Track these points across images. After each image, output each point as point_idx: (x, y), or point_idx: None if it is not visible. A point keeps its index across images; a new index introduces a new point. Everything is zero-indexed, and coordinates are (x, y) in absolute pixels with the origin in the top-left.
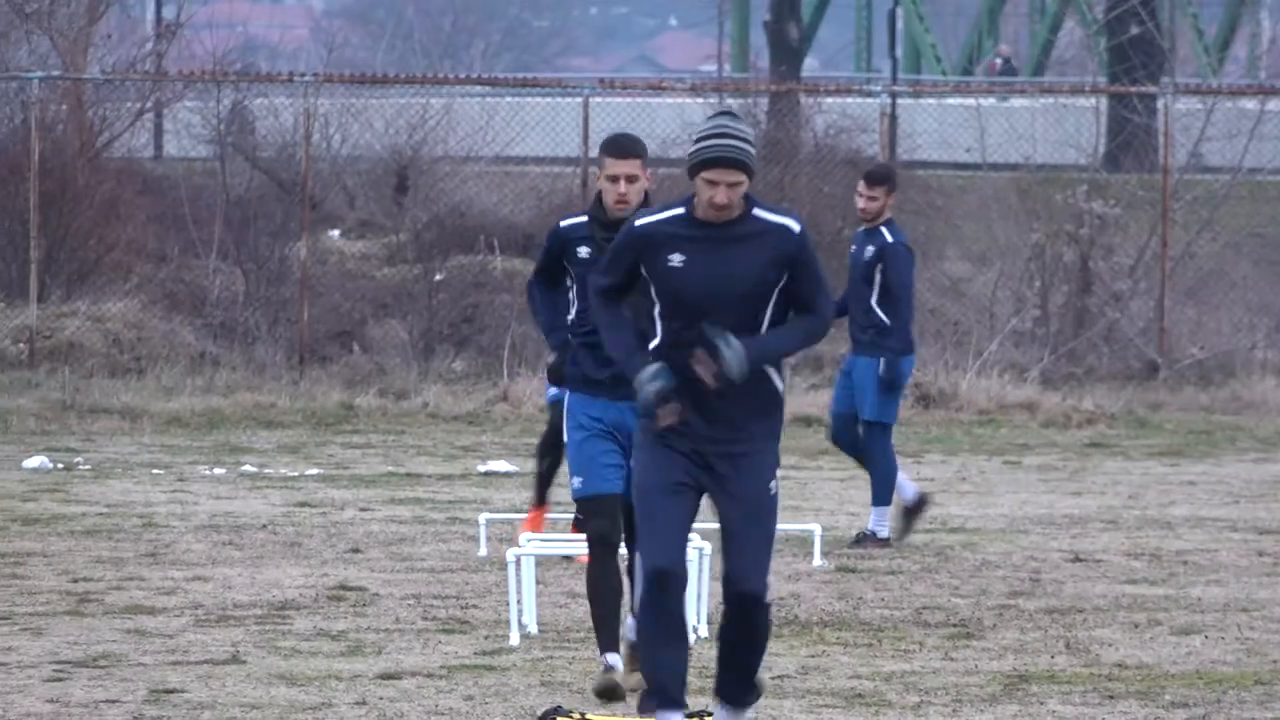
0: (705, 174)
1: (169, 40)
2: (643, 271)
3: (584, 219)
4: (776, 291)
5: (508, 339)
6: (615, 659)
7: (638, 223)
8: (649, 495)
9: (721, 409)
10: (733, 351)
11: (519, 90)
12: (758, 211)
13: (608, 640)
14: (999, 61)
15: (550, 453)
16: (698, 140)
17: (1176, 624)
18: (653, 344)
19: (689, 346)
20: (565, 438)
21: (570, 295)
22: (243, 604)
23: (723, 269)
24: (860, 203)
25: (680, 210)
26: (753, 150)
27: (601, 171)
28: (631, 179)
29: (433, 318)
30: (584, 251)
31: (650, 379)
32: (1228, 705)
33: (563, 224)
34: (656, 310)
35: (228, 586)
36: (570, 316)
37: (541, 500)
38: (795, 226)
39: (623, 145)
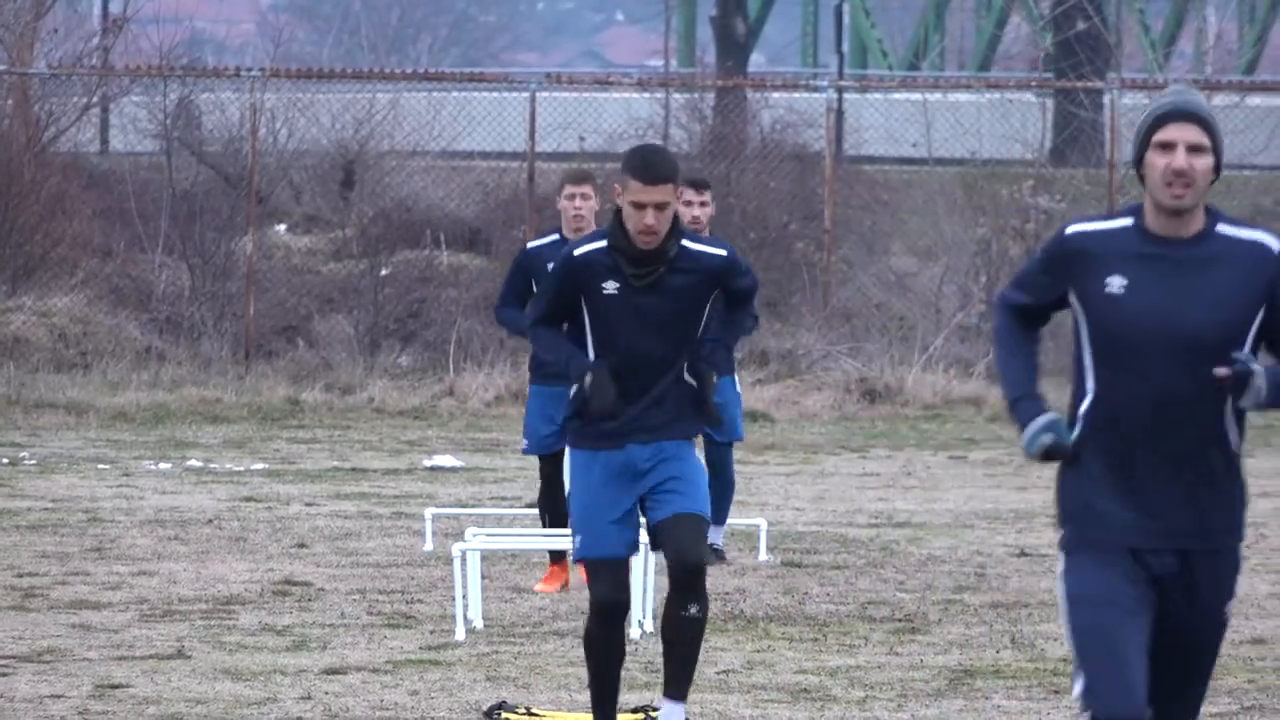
0: (1160, 134)
1: (115, 35)
2: (1071, 298)
3: (600, 245)
4: (1253, 331)
5: (454, 334)
6: None
7: (1069, 231)
8: (1094, 622)
9: (1170, 493)
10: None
11: (465, 85)
12: (1223, 227)
13: (606, 714)
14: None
15: (550, 509)
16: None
17: None
18: (1084, 404)
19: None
20: (568, 485)
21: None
22: (188, 599)
23: (1181, 300)
24: (694, 210)
25: (1128, 221)
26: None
27: (624, 194)
28: (662, 208)
29: (379, 312)
30: (611, 287)
31: (1041, 430)
32: None
33: (577, 252)
34: (1086, 352)
35: (173, 581)
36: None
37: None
38: (1275, 244)
39: (655, 169)
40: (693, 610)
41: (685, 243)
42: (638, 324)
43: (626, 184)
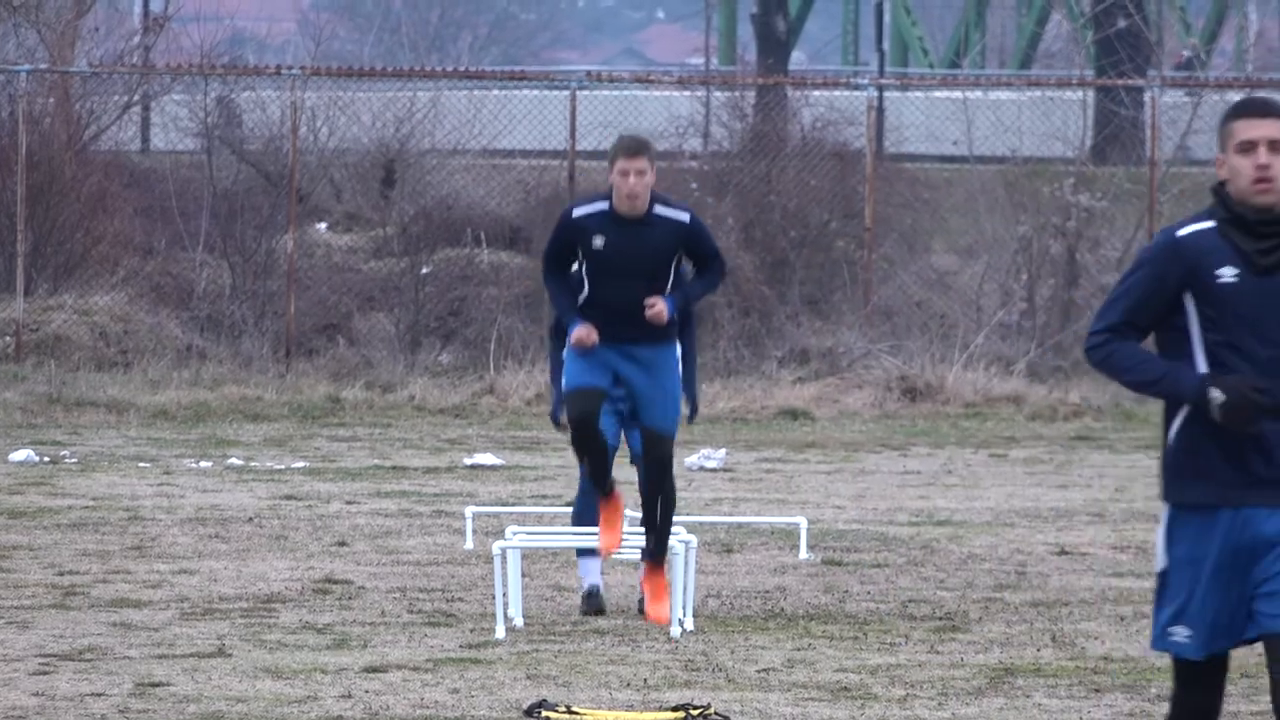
0: (1238, 125)
1: (156, 33)
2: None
3: (1207, 225)
4: None
5: (494, 332)
6: None
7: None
8: None
9: None
10: None
11: (506, 83)
12: None
13: None
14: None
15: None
16: None
17: None
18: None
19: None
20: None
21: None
22: (228, 597)
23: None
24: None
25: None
26: None
27: (1228, 148)
28: (1276, 147)
29: (419, 311)
30: (1229, 275)
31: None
32: None
33: (1181, 232)
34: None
35: (213, 579)
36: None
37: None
38: None
39: (1265, 102)
40: None
41: None
42: (1268, 322)
43: (1229, 130)
